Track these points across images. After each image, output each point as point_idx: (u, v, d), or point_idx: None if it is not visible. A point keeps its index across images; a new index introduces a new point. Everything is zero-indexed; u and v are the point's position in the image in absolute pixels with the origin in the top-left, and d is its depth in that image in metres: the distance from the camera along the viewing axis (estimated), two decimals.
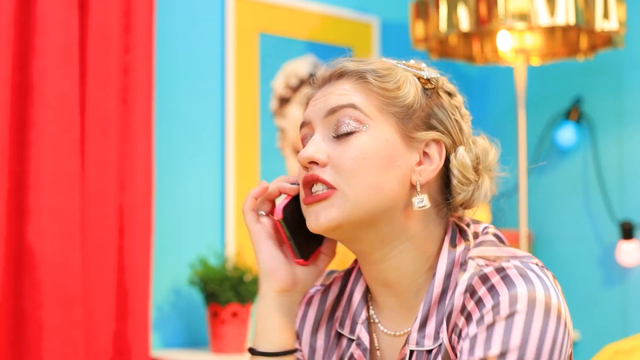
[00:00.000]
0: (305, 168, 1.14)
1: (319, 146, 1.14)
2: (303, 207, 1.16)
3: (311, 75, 1.25)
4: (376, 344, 1.21)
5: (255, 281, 2.41)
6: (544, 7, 2.43)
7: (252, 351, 1.19)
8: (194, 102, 2.62)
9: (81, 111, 2.22)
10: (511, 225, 3.00)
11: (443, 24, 2.56)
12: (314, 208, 1.13)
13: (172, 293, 2.55)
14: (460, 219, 1.21)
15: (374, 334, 1.22)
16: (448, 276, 1.14)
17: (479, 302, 1.07)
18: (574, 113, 3.06)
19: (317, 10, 2.91)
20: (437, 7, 2.57)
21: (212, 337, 2.42)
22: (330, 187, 1.12)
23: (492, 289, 1.07)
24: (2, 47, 2.07)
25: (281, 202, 1.17)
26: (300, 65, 2.86)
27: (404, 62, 1.20)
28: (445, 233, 1.18)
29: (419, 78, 1.18)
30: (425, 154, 1.16)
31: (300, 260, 1.19)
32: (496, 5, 2.45)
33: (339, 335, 1.25)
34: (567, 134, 3.06)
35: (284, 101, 2.82)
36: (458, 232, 1.18)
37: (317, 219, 1.12)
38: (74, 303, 2.15)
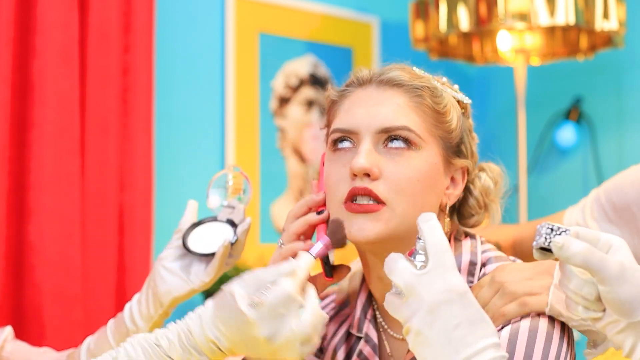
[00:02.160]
0: (354, 175, 1.13)
1: (372, 159, 1.12)
2: (344, 213, 1.14)
3: (356, 72, 1.23)
4: (388, 350, 1.22)
5: None
6: (544, 7, 2.43)
7: None
8: (194, 102, 2.62)
9: (81, 111, 2.21)
10: None
11: (443, 24, 2.56)
12: (358, 218, 1.12)
13: None
14: (459, 235, 1.23)
15: (382, 333, 1.22)
16: None
17: None
18: (574, 113, 3.05)
19: (317, 10, 2.91)
20: (437, 7, 2.57)
21: None
22: (380, 201, 1.12)
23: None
24: (2, 47, 2.07)
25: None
26: (300, 65, 2.86)
27: (437, 78, 1.20)
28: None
29: (457, 101, 1.19)
30: (452, 178, 1.19)
31: (330, 278, 1.19)
32: (496, 5, 2.45)
33: (348, 333, 1.27)
34: (567, 133, 3.06)
35: (284, 101, 2.82)
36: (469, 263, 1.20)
37: (361, 229, 1.12)
38: (74, 303, 2.14)
